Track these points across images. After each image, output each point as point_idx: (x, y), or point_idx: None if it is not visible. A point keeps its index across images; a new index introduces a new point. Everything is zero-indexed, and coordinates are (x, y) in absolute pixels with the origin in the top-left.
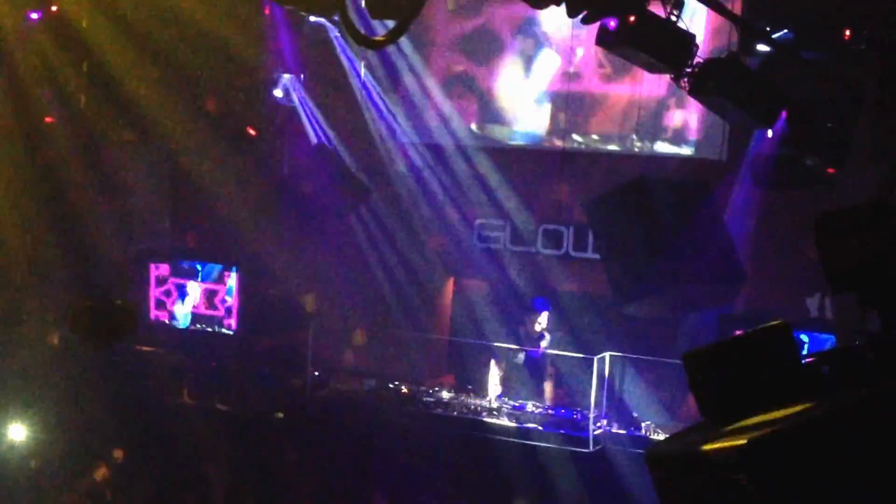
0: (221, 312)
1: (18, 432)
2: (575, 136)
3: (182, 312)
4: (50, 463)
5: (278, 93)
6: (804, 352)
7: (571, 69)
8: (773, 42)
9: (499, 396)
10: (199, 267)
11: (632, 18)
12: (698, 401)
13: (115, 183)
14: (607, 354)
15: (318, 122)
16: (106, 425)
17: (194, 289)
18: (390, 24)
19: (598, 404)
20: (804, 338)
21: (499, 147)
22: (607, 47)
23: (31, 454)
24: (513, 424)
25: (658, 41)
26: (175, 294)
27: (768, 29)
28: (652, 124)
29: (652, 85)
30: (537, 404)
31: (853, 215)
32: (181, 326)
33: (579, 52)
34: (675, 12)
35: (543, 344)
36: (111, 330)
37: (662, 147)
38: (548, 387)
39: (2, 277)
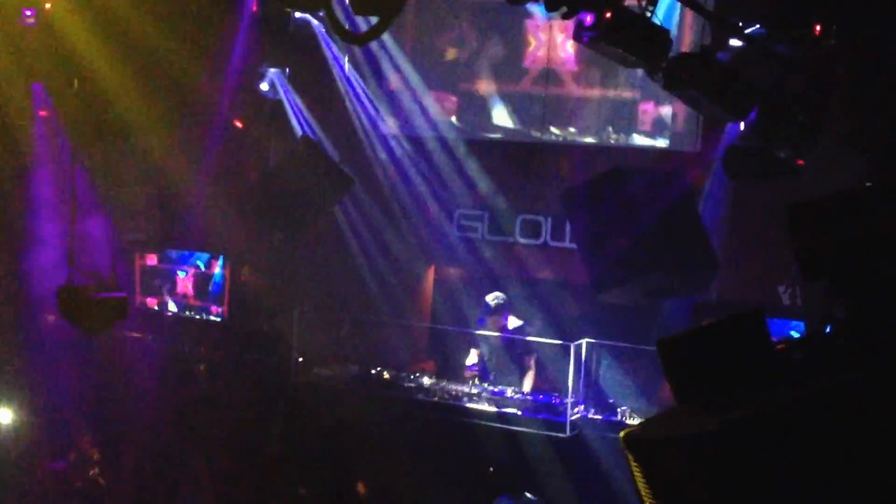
0: (209, 300)
1: (4, 416)
2: (553, 129)
3: (170, 301)
4: (35, 445)
5: (264, 86)
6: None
7: (550, 63)
8: (745, 37)
9: (476, 385)
10: (187, 256)
11: (608, 14)
12: (673, 386)
13: (105, 175)
14: (584, 341)
15: (302, 115)
16: (91, 409)
17: (182, 277)
18: (374, 20)
19: (575, 390)
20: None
21: (478, 139)
22: (583, 42)
23: (17, 437)
24: (493, 409)
25: (633, 37)
26: (163, 283)
27: (740, 24)
28: (628, 117)
29: (628, 79)
30: (516, 390)
31: (824, 205)
32: (169, 314)
33: (558, 45)
34: (649, 8)
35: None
36: (102, 316)
37: (638, 139)
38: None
39: None
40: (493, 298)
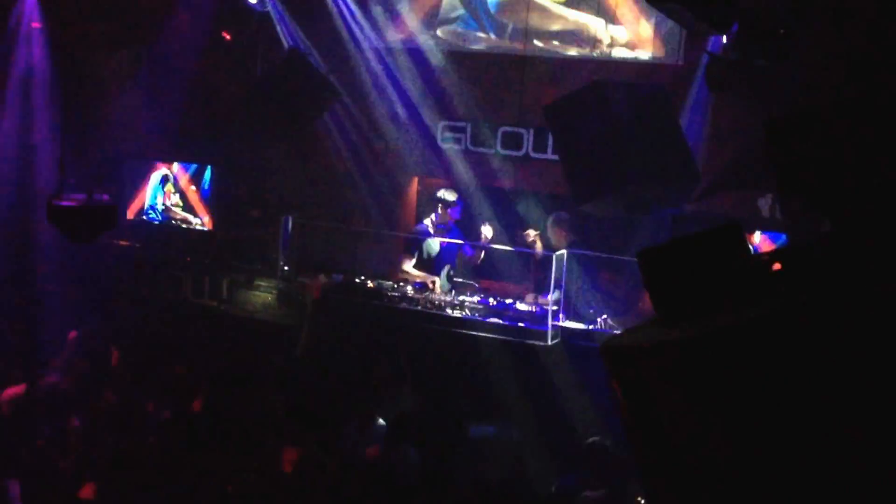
0: (196, 209)
1: None
2: (536, 42)
3: (158, 209)
4: None
5: None
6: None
7: None
8: None
9: (452, 289)
10: (174, 165)
11: None
12: (653, 297)
13: (96, 88)
14: (564, 251)
15: (290, 27)
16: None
17: (170, 187)
18: None
19: (556, 300)
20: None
21: (462, 52)
22: None
23: None
24: (475, 318)
25: None
26: (151, 192)
27: None
28: (611, 30)
29: None
30: (498, 298)
31: (802, 119)
32: (157, 222)
33: None
34: None
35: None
36: (92, 225)
37: (621, 52)
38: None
39: None
40: (448, 193)
